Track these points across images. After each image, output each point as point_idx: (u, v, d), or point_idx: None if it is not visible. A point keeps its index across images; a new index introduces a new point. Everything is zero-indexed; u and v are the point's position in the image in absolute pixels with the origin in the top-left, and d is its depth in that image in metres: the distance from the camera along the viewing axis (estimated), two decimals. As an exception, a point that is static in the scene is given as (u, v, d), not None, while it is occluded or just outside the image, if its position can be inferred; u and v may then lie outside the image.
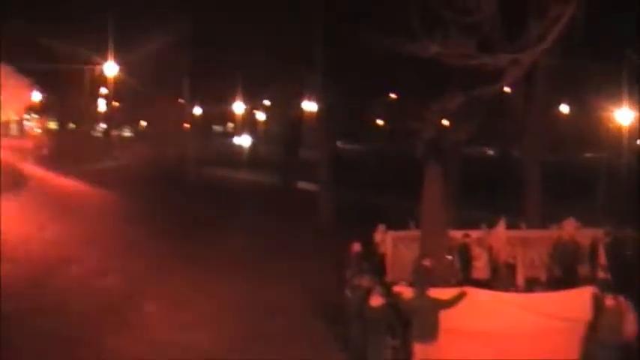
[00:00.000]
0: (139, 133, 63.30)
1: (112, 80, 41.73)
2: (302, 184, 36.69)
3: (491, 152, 53.40)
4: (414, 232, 17.25)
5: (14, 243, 19.20)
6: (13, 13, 30.69)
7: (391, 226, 17.86)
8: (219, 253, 20.64)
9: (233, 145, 58.12)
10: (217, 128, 69.61)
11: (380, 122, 55.91)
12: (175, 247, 20.64)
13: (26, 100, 27.29)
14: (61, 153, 35.58)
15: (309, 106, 37.69)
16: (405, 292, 12.48)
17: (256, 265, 19.63)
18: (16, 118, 32.48)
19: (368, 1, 25.68)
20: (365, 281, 13.40)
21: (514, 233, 18.00)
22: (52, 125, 50.08)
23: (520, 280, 16.21)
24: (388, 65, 24.47)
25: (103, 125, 54.13)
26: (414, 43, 15.12)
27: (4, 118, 26.34)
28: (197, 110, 49.83)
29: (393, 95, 41.96)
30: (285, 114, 40.84)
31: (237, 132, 58.60)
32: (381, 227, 17.94)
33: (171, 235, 22.18)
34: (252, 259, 20.33)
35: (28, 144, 33.79)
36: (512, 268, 16.53)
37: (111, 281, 16.90)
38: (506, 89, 21.56)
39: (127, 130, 64.20)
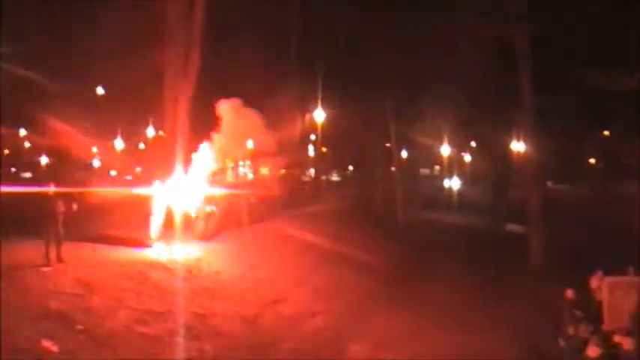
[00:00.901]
0: (346, 178, 64.56)
1: (321, 126, 42.97)
2: (511, 227, 35.63)
3: None
4: (633, 278, 16.15)
5: (228, 282, 20.05)
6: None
7: (607, 270, 16.82)
8: (425, 295, 20.42)
9: (440, 188, 57.69)
10: (424, 171, 69.48)
11: (592, 161, 53.53)
12: (382, 288, 20.65)
13: (245, 146, 28.27)
14: (272, 197, 36.88)
15: (518, 146, 36.75)
16: (625, 342, 11.64)
17: (464, 309, 19.18)
18: (232, 164, 34.05)
19: (579, 37, 24.84)
20: (581, 330, 12.67)
21: None
22: (264, 171, 52.17)
23: None
24: (601, 102, 23.41)
25: (312, 170, 55.63)
26: (631, 77, 14.36)
27: (223, 164, 27.51)
28: (404, 154, 50.11)
29: (606, 132, 40.15)
30: (493, 155, 40.07)
31: (444, 174, 58.19)
32: (599, 273, 16.96)
33: (378, 276, 22.24)
34: (460, 302, 19.90)
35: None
36: None
37: (319, 321, 17.14)
38: None
39: (334, 174, 65.73)
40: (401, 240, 31.08)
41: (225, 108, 25.18)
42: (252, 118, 25.68)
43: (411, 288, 21.45)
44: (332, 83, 38.85)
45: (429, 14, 32.58)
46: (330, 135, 45.14)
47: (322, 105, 40.30)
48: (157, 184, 24.55)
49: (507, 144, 38.18)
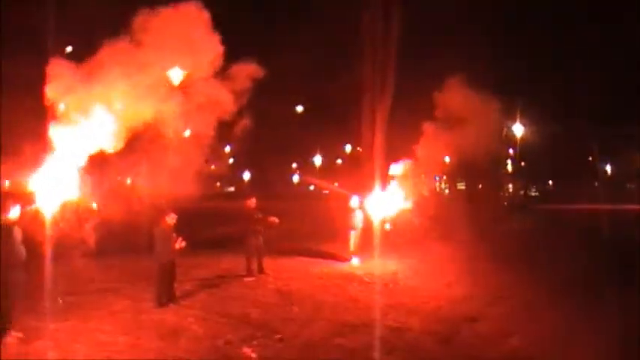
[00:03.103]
0: (545, 192, 62.61)
1: (519, 140, 42.01)
2: None
3: None
4: None
5: (424, 298, 20.00)
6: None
7: None
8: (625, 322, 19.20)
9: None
10: (630, 186, 65.94)
11: None
12: (583, 313, 19.69)
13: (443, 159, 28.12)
14: (466, 213, 36.42)
15: None
16: None
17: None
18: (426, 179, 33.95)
19: None
20: None
21: None
22: (461, 186, 51.66)
23: None
24: None
25: (510, 185, 54.50)
26: None
27: (419, 178, 27.56)
28: (607, 167, 47.99)
29: None
30: None
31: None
32: None
33: (575, 300, 21.18)
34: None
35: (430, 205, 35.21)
36: None
37: (515, 342, 16.64)
38: None
39: (532, 189, 63.98)
40: (600, 261, 29.39)
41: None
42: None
43: (611, 314, 20.16)
44: (530, 97, 37.93)
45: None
46: (528, 149, 44.09)
47: (521, 119, 39.43)
48: (354, 198, 24.98)
49: None
